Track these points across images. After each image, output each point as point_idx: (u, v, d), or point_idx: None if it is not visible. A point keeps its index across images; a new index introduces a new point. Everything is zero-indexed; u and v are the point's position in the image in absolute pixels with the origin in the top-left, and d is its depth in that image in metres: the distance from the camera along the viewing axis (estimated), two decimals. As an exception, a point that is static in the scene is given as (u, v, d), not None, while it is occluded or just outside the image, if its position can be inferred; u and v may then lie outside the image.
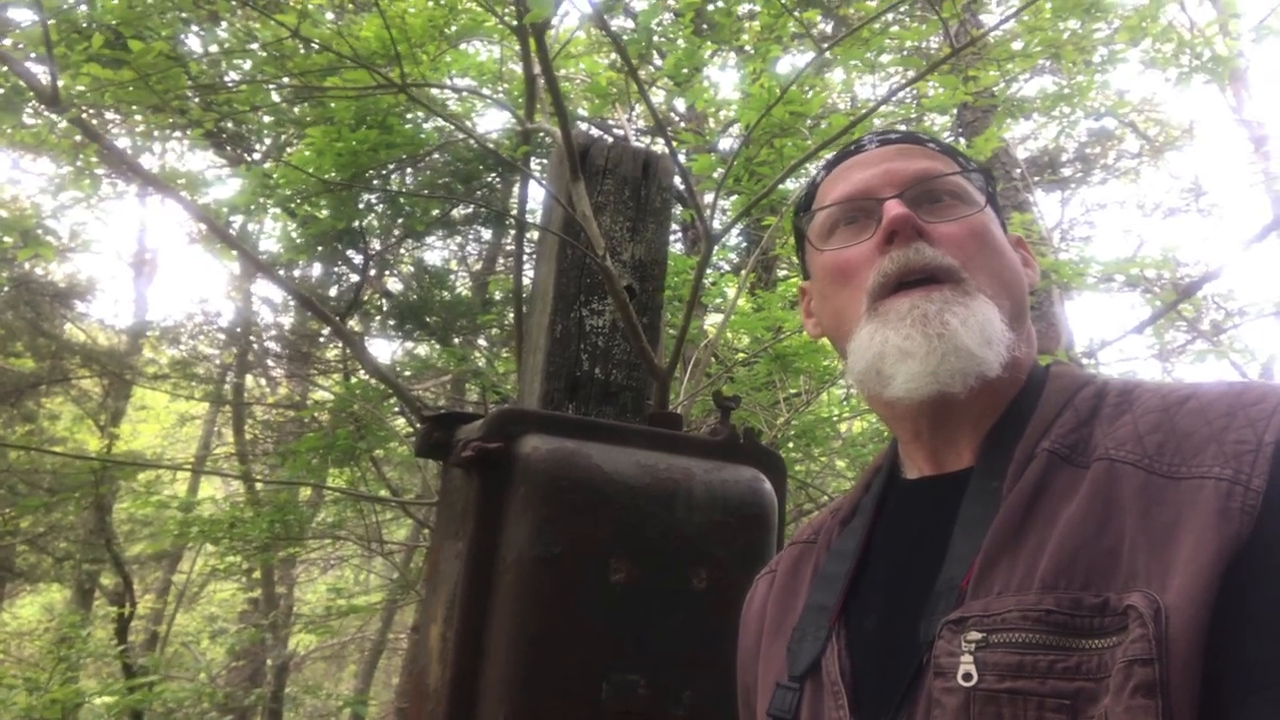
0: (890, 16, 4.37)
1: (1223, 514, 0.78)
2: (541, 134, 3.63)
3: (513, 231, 8.13)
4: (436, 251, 7.06)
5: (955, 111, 6.13)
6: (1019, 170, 8.37)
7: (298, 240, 4.61)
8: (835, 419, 6.31)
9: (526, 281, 4.06)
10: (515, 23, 3.18)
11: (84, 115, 3.46)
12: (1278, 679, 0.74)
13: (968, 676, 0.83)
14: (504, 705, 2.41)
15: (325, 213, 4.85)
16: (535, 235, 4.28)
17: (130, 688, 8.18)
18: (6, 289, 11.04)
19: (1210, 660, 0.75)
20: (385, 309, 6.20)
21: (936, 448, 1.05)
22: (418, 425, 3.29)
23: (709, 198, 3.92)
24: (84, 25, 3.42)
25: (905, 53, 4.29)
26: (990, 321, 0.99)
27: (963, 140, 7.12)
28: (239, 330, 10.10)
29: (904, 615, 0.94)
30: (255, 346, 10.36)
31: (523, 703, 2.40)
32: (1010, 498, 0.91)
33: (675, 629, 2.49)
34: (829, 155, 1.28)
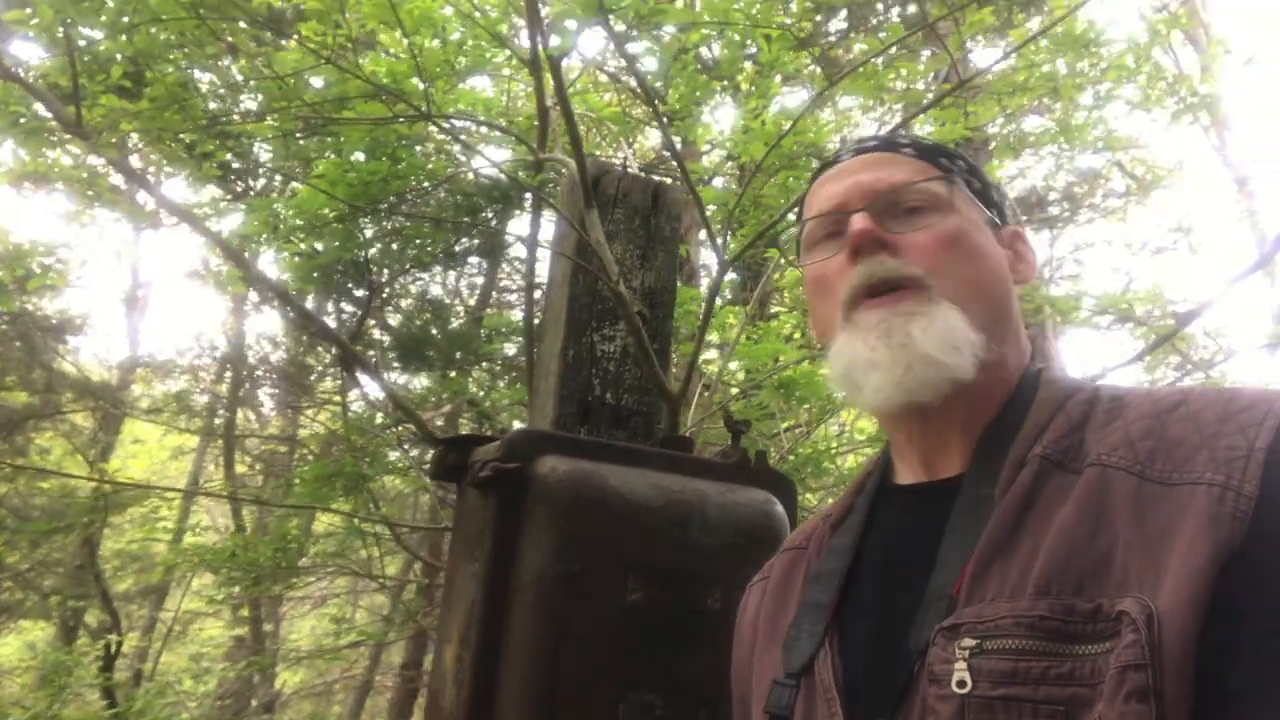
0: (889, 55, 4.46)
1: (1215, 519, 0.78)
2: (552, 165, 3.69)
3: (507, 267, 8.19)
4: (437, 285, 7.12)
5: (954, 147, 6.23)
6: (1010, 206, 8.47)
7: (301, 271, 4.65)
8: (832, 451, 6.35)
9: (536, 310, 4.10)
10: (528, 57, 3.24)
11: (103, 146, 3.50)
12: (1271, 683, 0.75)
13: (962, 683, 0.83)
14: (522, 724, 2.41)
15: (330, 245, 4.89)
16: (546, 264, 4.33)
17: (114, 716, 8.07)
18: (4, 323, 11.03)
19: (1202, 664, 0.75)
20: (386, 342, 6.24)
21: (927, 452, 1.06)
22: (431, 450, 3.31)
23: (712, 228, 3.98)
24: (103, 59, 3.47)
25: (907, 88, 4.38)
26: (953, 328, 0.99)
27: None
28: (233, 364, 10.09)
29: (895, 621, 0.95)
30: (248, 380, 10.35)
31: (541, 722, 2.40)
32: (1003, 504, 0.91)
33: (691, 650, 2.50)
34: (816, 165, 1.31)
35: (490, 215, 5.80)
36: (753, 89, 4.77)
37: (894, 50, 4.80)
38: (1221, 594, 0.76)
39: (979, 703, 0.82)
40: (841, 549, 1.09)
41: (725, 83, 4.66)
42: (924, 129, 4.62)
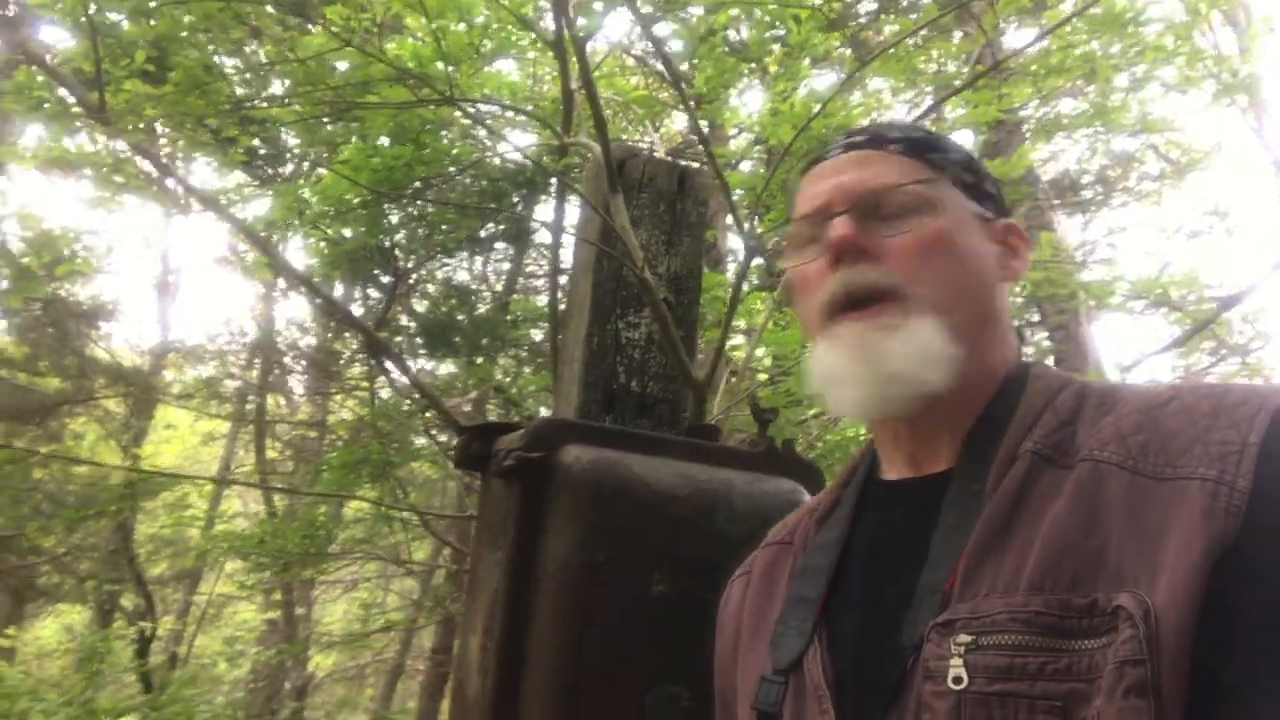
0: (922, 35, 4.38)
1: (1209, 514, 0.79)
2: (576, 150, 3.65)
3: (533, 252, 8.17)
4: (463, 271, 7.10)
5: (985, 130, 6.14)
6: (1042, 190, 8.36)
7: (328, 257, 4.64)
8: (860, 439, 6.29)
9: (560, 296, 4.07)
10: (553, 39, 3.20)
11: (127, 131, 3.50)
12: (1266, 677, 0.75)
13: (958, 679, 0.83)
14: (545, 717, 2.39)
15: (355, 231, 4.88)
16: (570, 250, 4.29)
17: (151, 706, 8.17)
18: (38, 309, 11.14)
19: (1198, 659, 0.76)
20: (412, 328, 6.23)
21: (915, 451, 1.05)
22: (456, 437, 3.29)
23: (739, 212, 3.93)
24: (126, 43, 3.46)
25: (939, 69, 4.30)
26: (927, 342, 0.99)
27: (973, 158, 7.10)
28: (262, 349, 10.15)
29: (885, 617, 0.94)
30: (278, 366, 10.41)
31: (564, 714, 2.38)
32: (995, 499, 0.91)
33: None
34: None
35: (517, 200, 5.78)
36: (781, 71, 4.70)
37: (926, 31, 4.72)
38: (1216, 589, 0.77)
39: (975, 698, 0.82)
40: (828, 543, 1.08)
41: (753, 65, 4.59)
42: (956, 112, 4.55)
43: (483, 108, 4.13)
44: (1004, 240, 1.09)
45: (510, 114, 4.88)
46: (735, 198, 4.57)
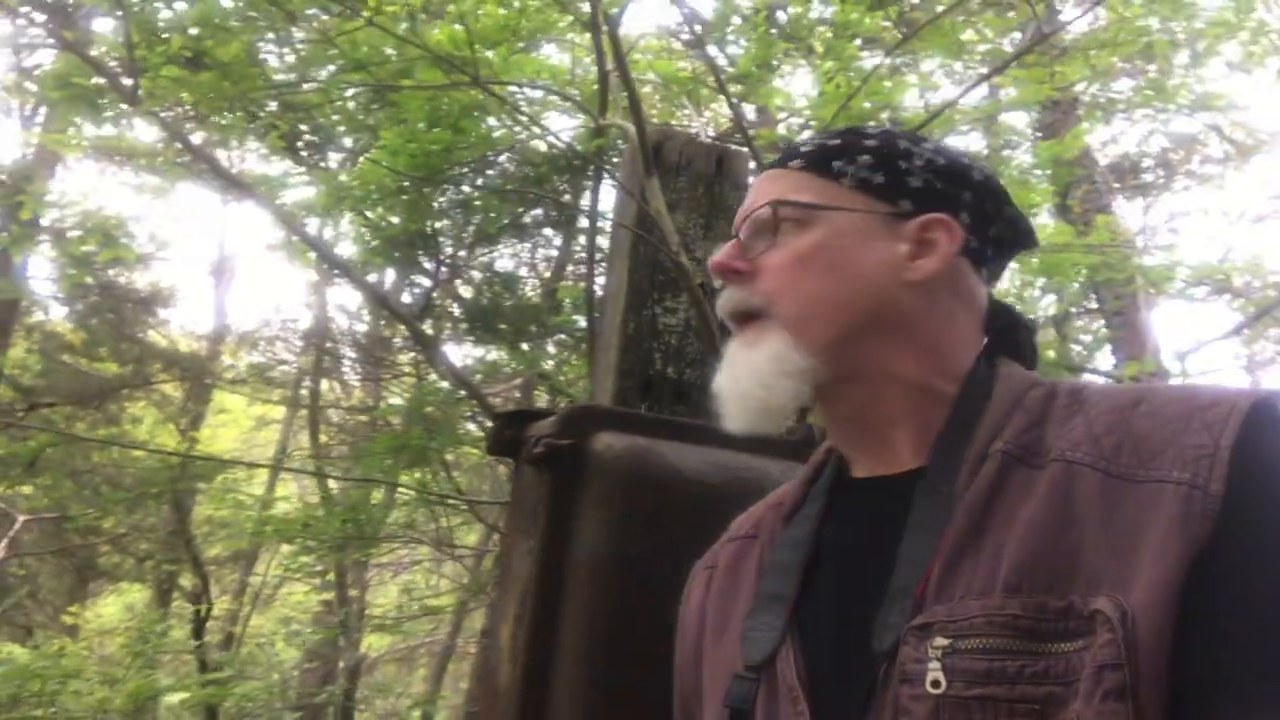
0: (969, 10, 4.26)
1: (1184, 518, 0.79)
2: (614, 132, 3.60)
3: (581, 238, 8.15)
4: (508, 259, 7.10)
5: (1038, 109, 5.98)
6: (1101, 173, 8.15)
7: (372, 244, 4.65)
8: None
9: (599, 282, 4.03)
10: (588, 18, 3.15)
11: (165, 118, 3.52)
12: (1241, 680, 0.76)
13: (936, 684, 0.83)
14: (575, 706, 2.37)
15: (399, 217, 4.88)
16: (609, 236, 4.26)
17: (204, 683, 8.33)
18: (95, 296, 11.38)
19: (1174, 664, 0.77)
20: (456, 314, 6.24)
21: (871, 451, 1.05)
22: (489, 424, 3.28)
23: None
24: (162, 30, 3.48)
25: (992, 45, 4.17)
26: (773, 358, 1.01)
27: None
28: (315, 336, 10.26)
29: (857, 618, 0.93)
30: (330, 352, 10.52)
31: (594, 703, 2.36)
32: (966, 499, 0.91)
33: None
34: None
35: (561, 185, 5.75)
36: (827, 51, 4.61)
37: (976, 4, 4.60)
38: (1191, 594, 0.78)
39: (954, 702, 0.82)
40: (799, 539, 1.07)
41: (796, 44, 4.50)
42: (1006, 92, 4.43)
43: (514, 90, 4.10)
44: (919, 237, 1.04)
45: (551, 98, 4.85)
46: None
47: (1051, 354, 8.38)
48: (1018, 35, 5.16)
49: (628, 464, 2.52)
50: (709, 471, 2.59)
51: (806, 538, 1.06)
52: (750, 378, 1.02)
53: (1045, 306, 8.57)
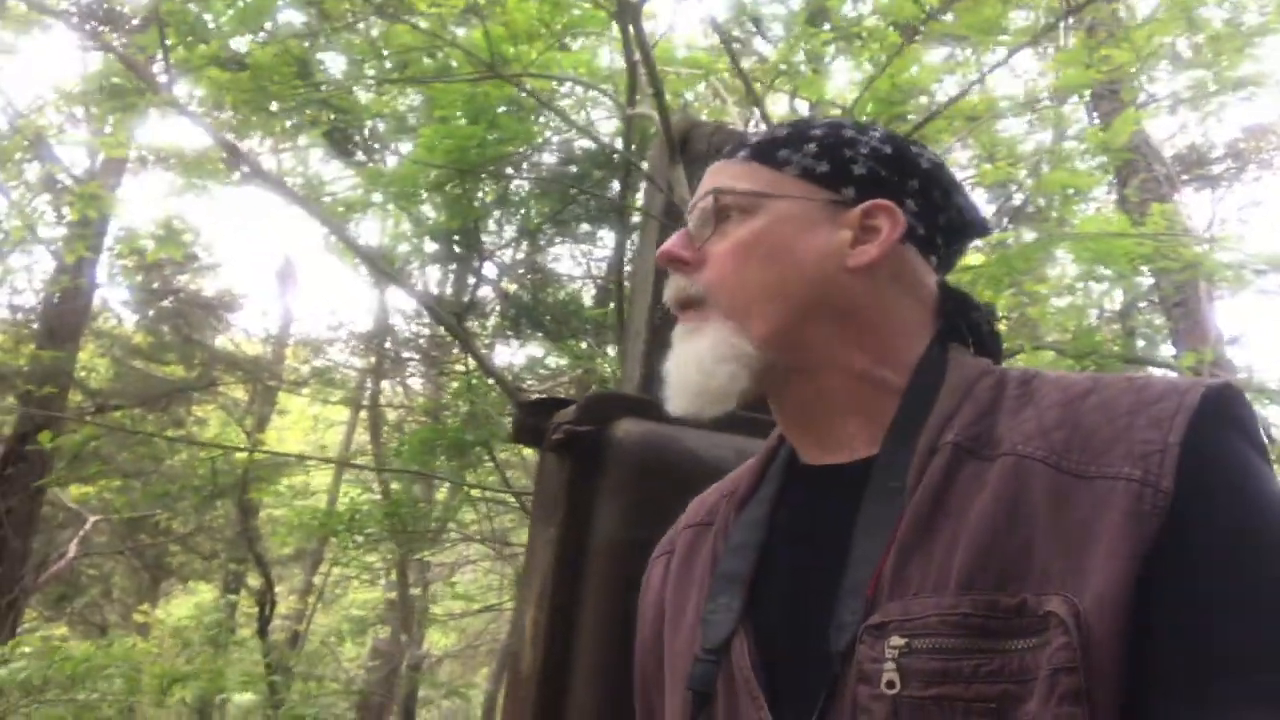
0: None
1: (1135, 516, 0.79)
2: (647, 121, 3.60)
3: (634, 234, 8.16)
4: (558, 256, 7.13)
5: (1083, 95, 5.84)
6: (1163, 166, 7.95)
7: (414, 239, 4.71)
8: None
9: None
10: (615, 9, 3.16)
11: (206, 119, 3.61)
12: (1196, 679, 0.76)
13: (891, 684, 0.83)
14: (593, 690, 2.37)
15: (441, 212, 4.94)
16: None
17: (270, 683, 8.48)
18: (163, 301, 11.70)
19: (1127, 663, 0.77)
20: (502, 310, 6.28)
21: (820, 440, 1.04)
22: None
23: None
24: (204, 33, 3.56)
25: (1034, 22, 4.07)
26: (713, 345, 1.02)
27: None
28: (375, 337, 10.43)
29: (809, 612, 0.93)
30: (391, 353, 10.67)
31: (612, 689, 2.36)
32: (917, 494, 0.90)
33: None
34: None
35: (604, 180, 5.77)
36: (868, 38, 4.57)
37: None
38: (1142, 591, 0.78)
39: (911, 703, 0.82)
40: (754, 522, 1.06)
41: (833, 32, 4.47)
42: (1048, 77, 4.33)
43: (553, 85, 4.13)
44: (861, 224, 1.03)
45: (591, 93, 4.87)
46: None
47: (1116, 347, 8.17)
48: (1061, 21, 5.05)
49: (646, 449, 2.51)
50: (730, 457, 2.56)
51: (760, 521, 1.06)
52: (691, 364, 1.03)
53: (1106, 297, 8.39)
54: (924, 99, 4.07)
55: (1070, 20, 4.08)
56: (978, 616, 0.81)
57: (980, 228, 1.13)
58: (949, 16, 3.95)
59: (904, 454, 0.94)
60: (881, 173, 1.06)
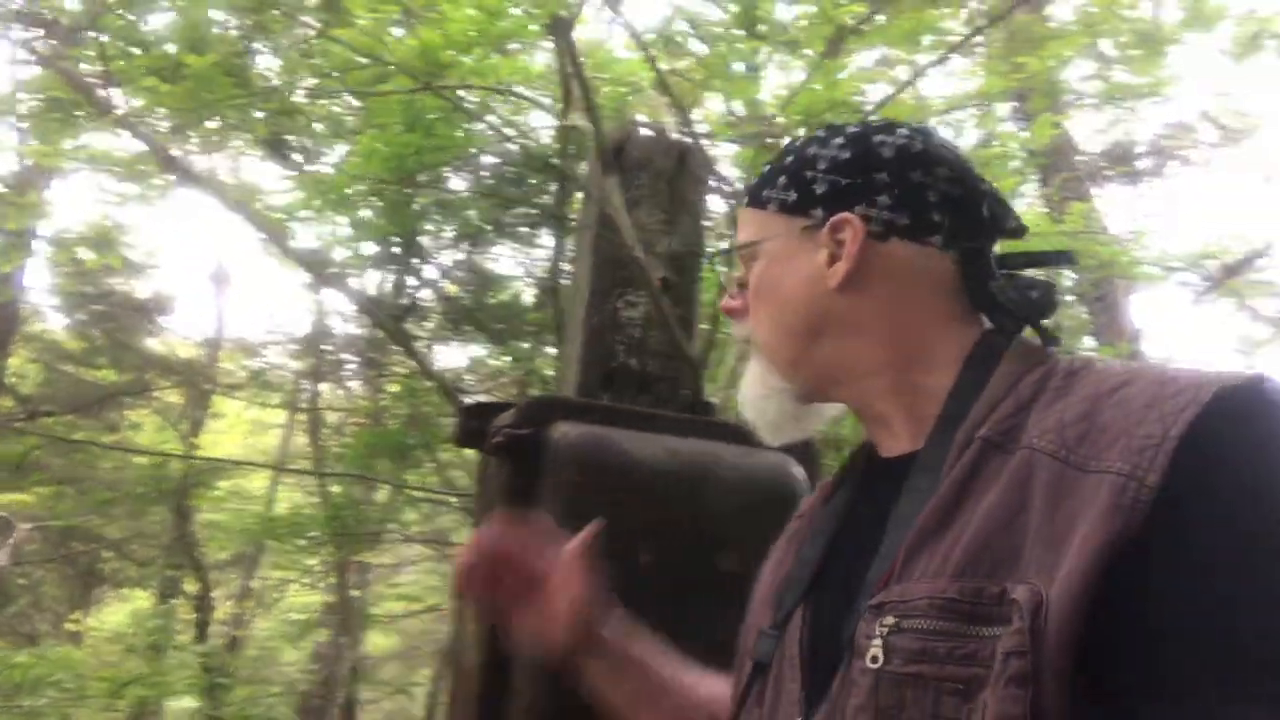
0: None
1: (1112, 509, 0.78)
2: (580, 131, 3.68)
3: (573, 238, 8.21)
4: (497, 259, 7.17)
5: (1015, 99, 6.04)
6: (1082, 167, 8.21)
7: (352, 244, 4.73)
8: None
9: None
10: (549, 22, 3.24)
11: (143, 128, 3.61)
12: (1169, 680, 0.75)
13: (875, 659, 0.86)
14: (532, 688, 2.45)
15: (380, 219, 4.96)
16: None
17: (211, 686, 8.40)
18: (94, 304, 11.48)
19: (1089, 656, 0.77)
20: (442, 312, 6.32)
21: (879, 436, 1.10)
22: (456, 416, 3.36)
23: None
24: (142, 42, 3.57)
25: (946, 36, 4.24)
26: (751, 383, 1.14)
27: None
28: (312, 340, 10.35)
29: (850, 597, 0.96)
30: (329, 356, 10.60)
31: (552, 684, 2.43)
32: (943, 486, 0.92)
33: (703, 612, 2.51)
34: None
35: (541, 186, 5.82)
36: (798, 44, 4.68)
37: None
38: (1114, 587, 0.76)
39: (891, 678, 0.85)
40: (828, 514, 1.13)
41: (763, 39, 4.58)
42: (972, 81, 4.48)
43: (488, 92, 4.19)
44: (833, 240, 1.06)
45: (528, 100, 4.93)
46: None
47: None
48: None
49: (583, 452, 2.60)
50: (663, 458, 2.67)
51: (838, 510, 1.12)
52: (747, 401, 1.15)
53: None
54: (858, 99, 4.18)
55: (987, 29, 4.25)
56: (964, 602, 0.83)
57: (983, 192, 1.08)
58: (880, 17, 4.09)
59: (942, 449, 0.96)
60: (842, 182, 1.07)
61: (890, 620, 0.87)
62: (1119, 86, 5.41)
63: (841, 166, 1.07)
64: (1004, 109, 7.30)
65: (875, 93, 5.38)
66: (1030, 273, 1.09)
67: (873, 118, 1.24)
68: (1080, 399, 0.89)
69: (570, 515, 2.55)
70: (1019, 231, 1.11)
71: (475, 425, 2.86)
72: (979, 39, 4.41)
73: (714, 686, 1.33)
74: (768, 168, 1.15)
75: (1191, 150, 12.65)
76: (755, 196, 1.14)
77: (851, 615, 0.93)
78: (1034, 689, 0.76)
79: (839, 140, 1.09)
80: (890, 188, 1.05)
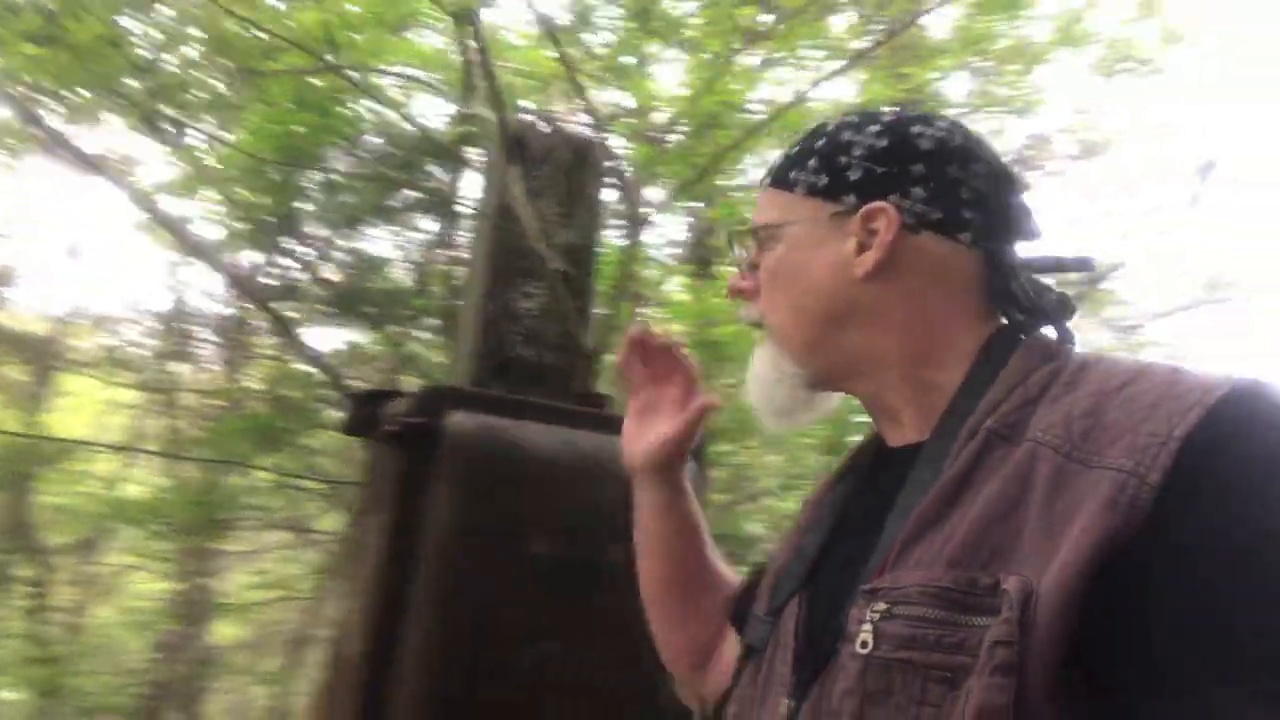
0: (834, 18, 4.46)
1: (1112, 505, 0.77)
2: (480, 120, 3.66)
3: (462, 224, 8.12)
4: (381, 241, 7.01)
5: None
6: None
7: (235, 225, 4.57)
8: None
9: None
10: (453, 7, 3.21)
11: (16, 94, 3.40)
12: (1167, 678, 0.75)
13: (864, 644, 0.86)
14: (421, 675, 2.43)
15: (263, 199, 4.81)
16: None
17: (37, 659, 7.95)
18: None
19: (1079, 651, 0.77)
20: (322, 296, 6.17)
21: (886, 427, 1.10)
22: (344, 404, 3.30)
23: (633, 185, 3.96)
24: (18, 4, 3.36)
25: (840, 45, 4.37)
26: (762, 368, 1.11)
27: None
28: (171, 318, 9.93)
29: (846, 586, 0.96)
30: (188, 334, 10.19)
31: (440, 673, 2.42)
32: (945, 476, 0.92)
33: (593, 599, 2.54)
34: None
35: (432, 171, 5.74)
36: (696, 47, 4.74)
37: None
38: (1112, 583, 0.76)
39: (879, 664, 0.85)
40: (831, 502, 1.13)
41: (664, 37, 4.61)
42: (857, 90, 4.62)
43: (383, 74, 4.11)
44: (864, 229, 1.04)
45: (423, 83, 4.86)
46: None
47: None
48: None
49: (477, 442, 2.60)
50: (558, 449, 2.69)
51: (842, 497, 1.12)
52: (755, 384, 1.12)
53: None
54: (753, 103, 4.27)
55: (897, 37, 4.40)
56: (957, 591, 0.83)
57: (1014, 184, 1.08)
58: (768, 17, 4.17)
59: (948, 440, 0.96)
60: (877, 170, 1.05)
61: (882, 606, 0.87)
62: (992, 99, 5.67)
63: (879, 154, 1.05)
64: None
65: (764, 96, 5.52)
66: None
67: (907, 108, 1.20)
68: (1087, 395, 0.89)
69: (462, 504, 2.57)
70: (1037, 234, 1.10)
71: (365, 413, 2.82)
72: (865, 47, 4.55)
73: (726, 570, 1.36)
74: (795, 149, 1.12)
75: (1049, 162, 13.28)
76: (781, 178, 1.10)
77: (844, 610, 0.93)
78: (1019, 679, 0.76)
79: (875, 127, 1.07)
80: (926, 180, 1.03)
